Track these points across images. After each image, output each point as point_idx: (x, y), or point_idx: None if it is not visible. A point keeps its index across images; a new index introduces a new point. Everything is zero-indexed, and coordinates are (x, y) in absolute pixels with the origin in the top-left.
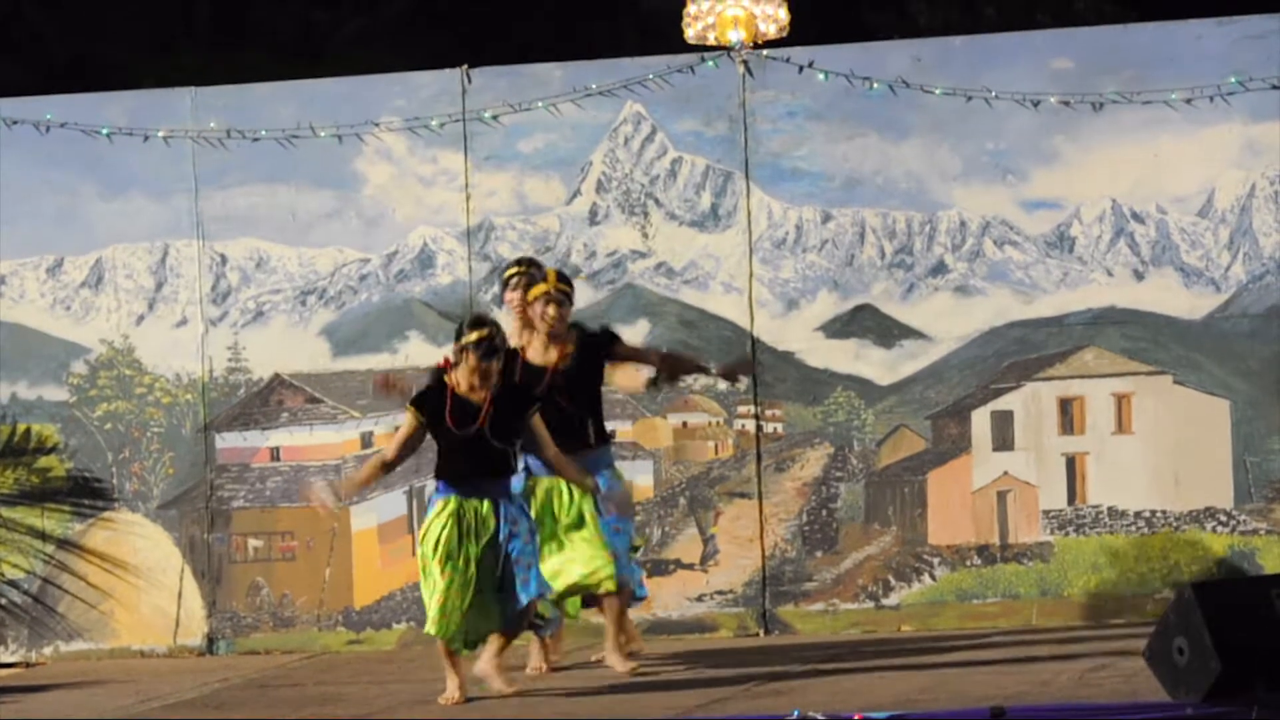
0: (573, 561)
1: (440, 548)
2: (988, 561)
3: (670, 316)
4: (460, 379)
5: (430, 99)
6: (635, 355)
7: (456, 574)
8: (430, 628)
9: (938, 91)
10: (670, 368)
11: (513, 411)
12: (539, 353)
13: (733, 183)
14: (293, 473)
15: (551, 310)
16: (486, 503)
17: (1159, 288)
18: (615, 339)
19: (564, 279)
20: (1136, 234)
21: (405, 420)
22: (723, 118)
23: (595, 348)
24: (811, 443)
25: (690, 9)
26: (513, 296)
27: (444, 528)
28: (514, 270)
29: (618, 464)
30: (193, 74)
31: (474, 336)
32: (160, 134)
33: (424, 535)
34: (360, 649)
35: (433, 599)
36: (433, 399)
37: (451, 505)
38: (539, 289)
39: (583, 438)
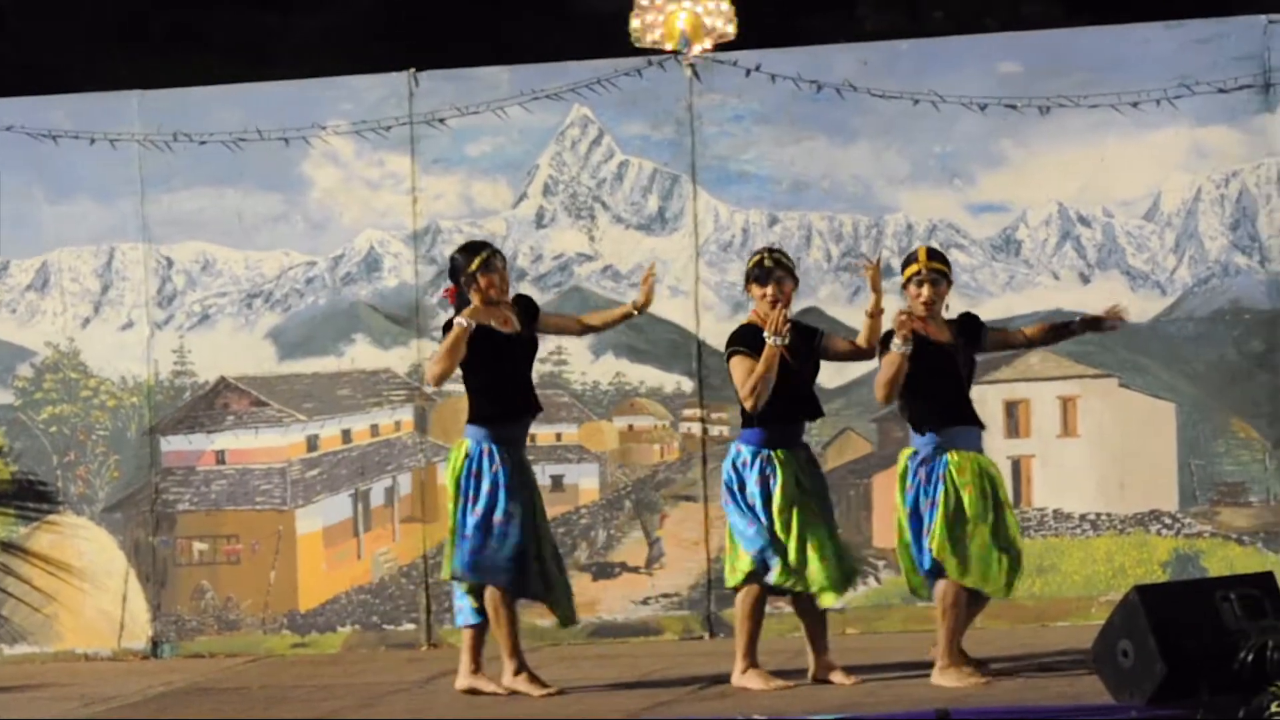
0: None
1: None
2: None
3: None
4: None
5: (377, 102)
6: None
7: None
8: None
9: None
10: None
11: None
12: (937, 333)
13: (679, 186)
14: (238, 476)
15: (926, 290)
16: None
17: (1105, 291)
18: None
19: (935, 255)
20: (1083, 237)
21: None
22: (670, 121)
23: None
24: None
25: (638, 12)
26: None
27: None
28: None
29: (562, 466)
30: (140, 77)
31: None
32: (106, 137)
33: None
34: (305, 652)
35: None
36: None
37: None
38: (911, 269)
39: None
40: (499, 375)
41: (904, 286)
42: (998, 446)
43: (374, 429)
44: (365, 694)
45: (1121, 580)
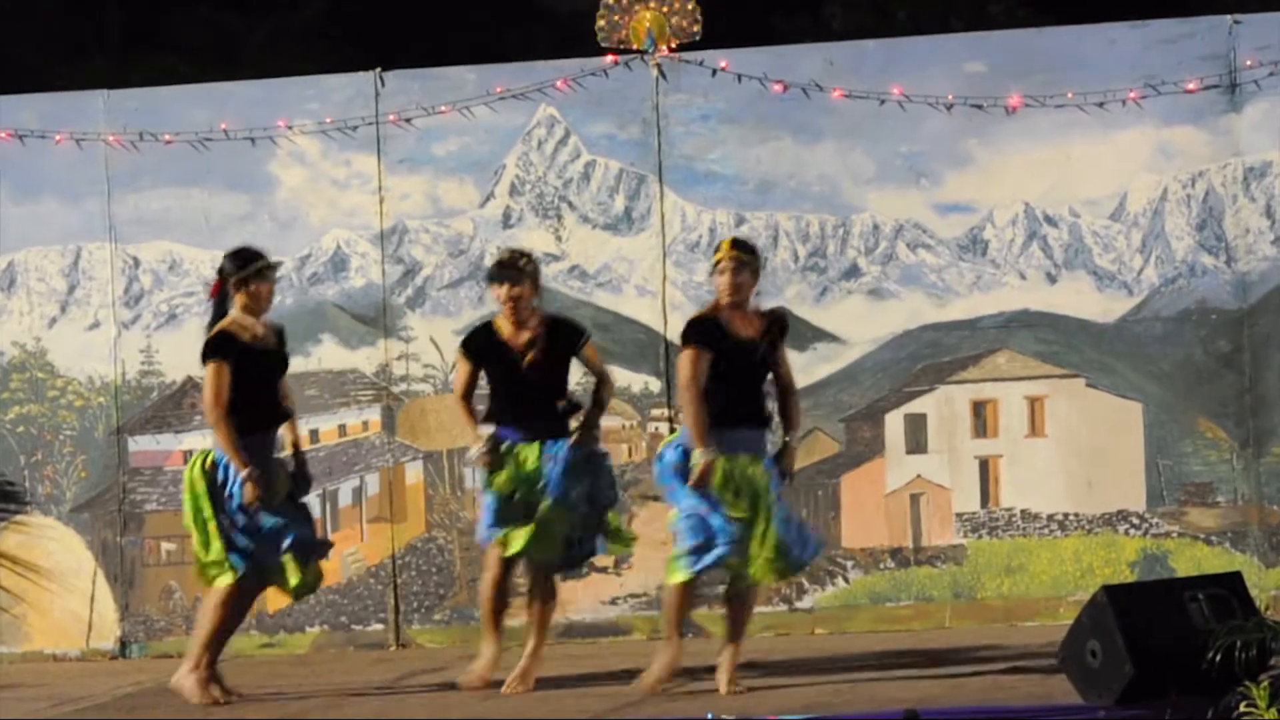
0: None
1: None
2: (901, 564)
3: (584, 320)
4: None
5: (344, 102)
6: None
7: None
8: None
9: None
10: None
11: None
12: (743, 325)
13: (646, 186)
14: None
15: (727, 279)
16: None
17: (1072, 291)
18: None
19: (740, 245)
20: (1049, 237)
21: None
22: (636, 121)
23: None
24: None
25: (604, 12)
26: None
27: None
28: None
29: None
30: (106, 77)
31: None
32: (73, 137)
33: None
34: (274, 652)
35: None
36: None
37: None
38: (715, 256)
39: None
40: (249, 390)
41: (710, 274)
42: (965, 447)
43: (341, 429)
44: (334, 694)
45: (1089, 580)
